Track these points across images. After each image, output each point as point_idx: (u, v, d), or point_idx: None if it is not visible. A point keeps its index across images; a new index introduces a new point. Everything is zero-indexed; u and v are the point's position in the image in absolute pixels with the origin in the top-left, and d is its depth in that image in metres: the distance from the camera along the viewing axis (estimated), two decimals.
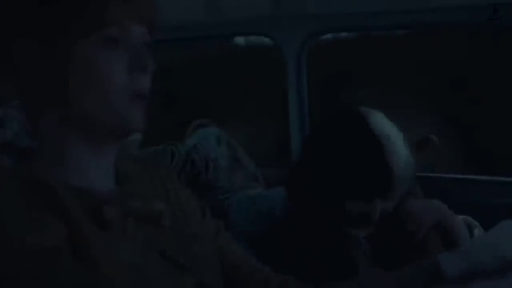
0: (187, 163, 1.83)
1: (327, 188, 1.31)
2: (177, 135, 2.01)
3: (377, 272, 0.99)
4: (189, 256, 0.89)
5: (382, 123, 1.31)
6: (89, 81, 0.80)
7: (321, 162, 1.32)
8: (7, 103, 1.48)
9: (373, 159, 1.26)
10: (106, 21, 0.80)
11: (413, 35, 2.68)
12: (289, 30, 1.98)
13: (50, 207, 0.75)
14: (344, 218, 1.33)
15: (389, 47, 2.75)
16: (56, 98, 0.81)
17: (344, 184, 1.29)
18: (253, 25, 2.06)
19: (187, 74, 3.48)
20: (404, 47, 2.74)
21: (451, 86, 2.79)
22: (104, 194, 0.84)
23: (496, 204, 1.67)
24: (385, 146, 1.26)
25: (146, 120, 0.84)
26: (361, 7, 1.82)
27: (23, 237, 0.71)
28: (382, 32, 2.47)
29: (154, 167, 0.98)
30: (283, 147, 2.18)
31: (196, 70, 3.38)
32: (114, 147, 0.87)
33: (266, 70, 2.86)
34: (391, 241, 1.38)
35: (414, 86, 2.83)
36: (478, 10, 1.66)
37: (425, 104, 2.82)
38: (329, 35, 2.14)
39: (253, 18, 2.01)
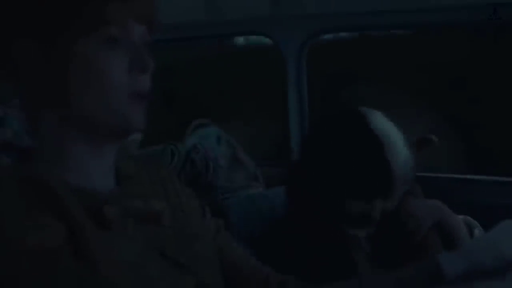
0: (187, 163, 1.83)
1: (326, 187, 1.30)
2: (177, 134, 2.01)
3: (376, 272, 0.99)
4: (189, 256, 0.89)
5: (382, 123, 1.30)
6: (88, 80, 0.80)
7: (321, 161, 1.32)
8: (7, 102, 1.48)
9: (373, 159, 1.25)
10: (106, 20, 0.80)
11: (412, 35, 2.68)
12: (288, 30, 1.98)
13: (50, 207, 0.75)
14: (344, 218, 1.32)
15: (389, 47, 2.75)
16: (55, 98, 0.81)
17: (343, 184, 1.28)
18: (252, 25, 2.06)
19: (187, 74, 3.48)
20: (404, 47, 2.74)
21: (451, 85, 2.79)
22: (105, 194, 0.84)
23: (496, 204, 1.66)
24: (385, 146, 1.25)
25: (146, 120, 0.85)
26: (361, 7, 1.82)
27: (23, 237, 0.71)
28: (381, 31, 2.47)
29: (154, 167, 0.98)
30: (283, 147, 2.18)
31: (196, 70, 3.37)
32: (114, 147, 0.88)
33: (266, 70, 2.86)
34: (391, 241, 1.38)
35: (414, 85, 2.83)
36: (478, 10, 1.66)
37: (425, 103, 2.82)
38: (329, 35, 2.14)
39: (253, 18, 2.01)
